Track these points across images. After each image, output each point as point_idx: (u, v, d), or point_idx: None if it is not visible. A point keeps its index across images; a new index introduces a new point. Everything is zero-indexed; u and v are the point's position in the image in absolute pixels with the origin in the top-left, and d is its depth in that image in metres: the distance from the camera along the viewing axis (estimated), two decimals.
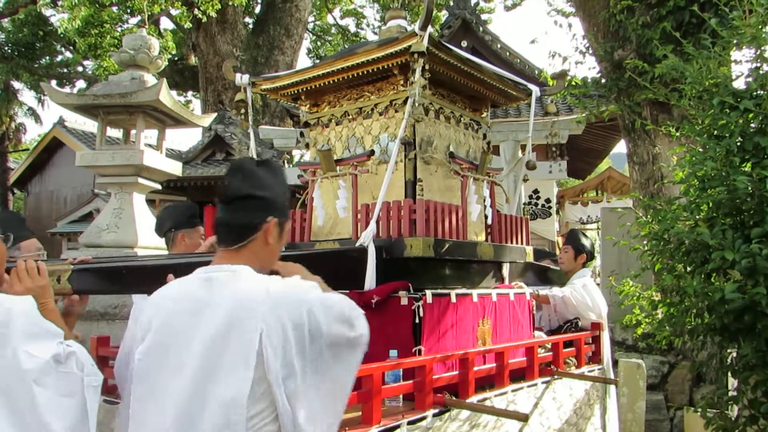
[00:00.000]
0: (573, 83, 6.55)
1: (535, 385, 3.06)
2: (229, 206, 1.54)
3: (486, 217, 3.28)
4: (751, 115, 2.75)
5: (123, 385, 1.54)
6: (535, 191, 11.45)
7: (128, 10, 13.74)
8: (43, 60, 18.28)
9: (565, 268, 4.09)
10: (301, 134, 3.44)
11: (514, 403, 2.86)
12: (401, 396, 2.36)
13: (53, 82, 17.13)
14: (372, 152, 3.01)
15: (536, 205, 11.46)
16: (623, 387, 4.84)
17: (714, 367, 3.25)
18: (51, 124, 18.30)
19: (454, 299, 2.74)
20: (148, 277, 2.20)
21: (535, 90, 3.44)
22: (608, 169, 16.52)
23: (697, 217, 2.83)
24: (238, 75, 3.25)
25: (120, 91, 5.44)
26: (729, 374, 3.22)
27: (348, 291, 2.62)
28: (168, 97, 5.47)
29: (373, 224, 2.65)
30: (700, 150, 2.93)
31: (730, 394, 3.04)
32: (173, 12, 15.15)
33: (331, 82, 3.06)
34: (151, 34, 6.42)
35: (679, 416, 5.96)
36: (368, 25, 20.92)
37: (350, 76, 2.98)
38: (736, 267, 2.42)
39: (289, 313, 1.35)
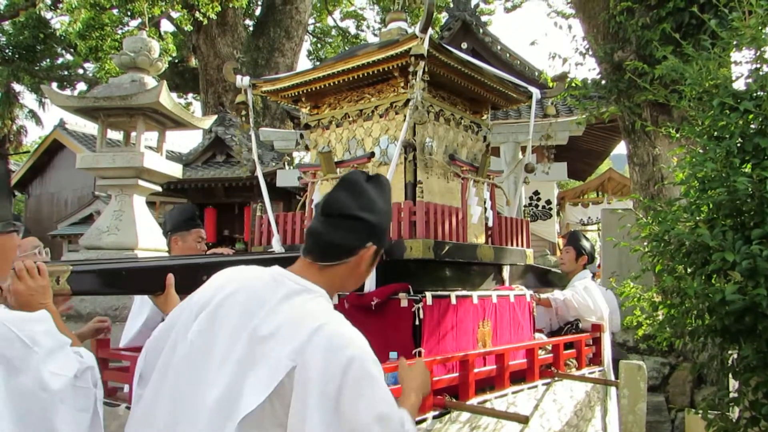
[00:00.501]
0: (573, 85, 6.55)
1: (536, 386, 3.05)
2: (329, 220, 1.44)
3: (486, 219, 3.28)
4: (751, 116, 2.75)
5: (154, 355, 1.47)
6: (536, 193, 11.46)
7: (129, 13, 13.78)
8: (44, 62, 18.33)
9: (566, 269, 4.09)
10: (301, 136, 3.44)
11: (515, 404, 2.86)
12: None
13: (54, 85, 17.17)
14: (372, 154, 3.01)
15: (537, 206, 11.47)
16: (624, 389, 4.81)
17: (715, 368, 3.24)
18: (52, 127, 18.32)
19: (454, 301, 2.74)
20: (147, 279, 2.21)
21: (536, 92, 3.45)
22: (609, 171, 16.53)
23: (698, 218, 2.83)
24: (238, 77, 3.25)
25: (120, 93, 5.45)
26: (730, 376, 3.21)
27: (348, 293, 2.64)
28: (168, 99, 5.48)
29: None
30: (700, 151, 2.93)
31: (731, 395, 3.03)
32: (173, 14, 15.18)
33: (332, 84, 3.06)
34: (152, 36, 6.44)
35: (680, 418, 5.95)
36: (368, 27, 20.97)
37: (351, 78, 2.98)
38: (737, 268, 2.42)
39: (328, 364, 1.23)
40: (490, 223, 3.28)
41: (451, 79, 3.02)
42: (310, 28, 20.66)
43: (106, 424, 2.19)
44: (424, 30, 2.55)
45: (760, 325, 2.47)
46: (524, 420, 2.45)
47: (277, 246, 3.11)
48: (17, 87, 19.57)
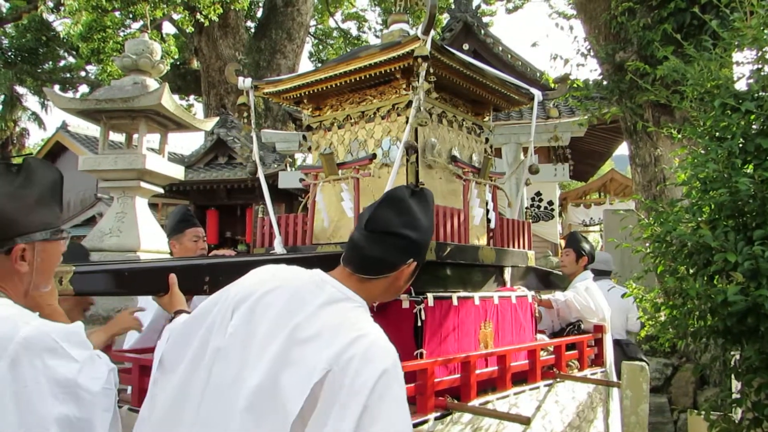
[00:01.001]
0: (575, 85, 6.55)
1: (538, 388, 3.05)
2: (373, 236, 1.46)
3: (488, 221, 3.28)
4: (752, 117, 2.75)
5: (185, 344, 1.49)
6: (538, 193, 11.45)
7: (131, 15, 13.81)
8: (47, 65, 18.39)
9: (567, 271, 4.08)
10: (303, 138, 3.44)
11: (517, 406, 2.86)
12: None
13: (56, 87, 17.23)
14: (374, 156, 3.01)
15: (539, 207, 11.45)
16: (626, 390, 4.81)
17: (717, 369, 3.24)
18: (54, 129, 18.37)
19: (455, 302, 2.74)
20: (149, 279, 2.21)
21: (538, 94, 3.45)
22: (611, 171, 16.52)
23: (699, 219, 2.83)
24: (240, 78, 3.25)
25: (122, 95, 5.46)
26: (732, 377, 3.21)
27: None
28: (170, 101, 5.49)
29: None
30: (702, 152, 2.93)
31: (734, 396, 3.03)
32: (175, 17, 15.21)
33: (334, 85, 3.07)
34: (154, 38, 6.45)
35: (682, 419, 5.94)
36: (370, 29, 21.01)
37: (353, 80, 2.98)
38: (739, 269, 2.42)
39: (359, 375, 1.25)
40: (492, 225, 3.28)
41: (454, 81, 3.02)
42: (312, 29, 20.70)
43: None
44: (426, 31, 2.55)
45: (763, 326, 2.47)
46: (526, 421, 2.45)
47: (279, 248, 3.11)
48: (20, 89, 19.63)
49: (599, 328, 3.84)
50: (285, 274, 1.51)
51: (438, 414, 2.38)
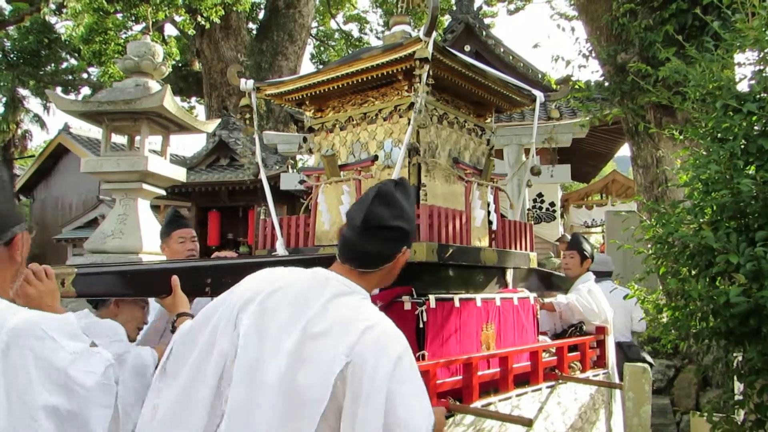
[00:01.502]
0: (576, 87, 6.55)
1: (540, 389, 3.05)
2: (368, 232, 1.53)
3: (490, 222, 3.28)
4: (754, 118, 2.74)
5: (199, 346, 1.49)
6: (540, 195, 11.44)
7: (132, 18, 13.84)
8: (49, 67, 18.43)
9: (571, 274, 4.07)
10: (305, 139, 3.45)
11: (519, 407, 2.85)
12: None
13: (58, 89, 17.26)
14: (376, 157, 3.02)
15: (540, 208, 11.45)
16: (629, 391, 4.81)
17: (720, 371, 3.23)
18: (56, 131, 18.39)
19: (457, 304, 2.74)
20: (152, 281, 2.21)
21: (540, 95, 3.45)
22: (613, 173, 16.49)
23: (701, 220, 2.82)
24: (242, 80, 3.26)
25: (124, 97, 5.47)
26: (735, 378, 3.20)
27: None
28: (172, 103, 5.50)
29: None
30: (704, 153, 2.93)
31: (736, 398, 3.02)
32: (177, 19, 15.24)
33: (336, 87, 3.07)
34: (155, 40, 6.46)
35: (685, 420, 5.93)
36: (371, 30, 21.03)
37: (354, 82, 2.99)
38: (741, 270, 2.41)
39: (378, 361, 1.32)
40: (494, 227, 3.28)
41: (455, 83, 3.02)
42: (314, 31, 20.72)
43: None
44: (428, 33, 2.55)
45: (765, 328, 2.47)
46: (528, 423, 2.45)
47: (281, 249, 3.11)
48: (22, 91, 19.68)
49: (601, 330, 3.83)
50: (287, 274, 1.56)
51: None
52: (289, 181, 10.34)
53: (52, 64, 18.56)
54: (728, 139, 2.75)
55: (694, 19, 5.39)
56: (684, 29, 5.51)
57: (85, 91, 18.50)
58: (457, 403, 2.50)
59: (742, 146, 2.70)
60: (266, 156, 11.84)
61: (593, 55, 6.75)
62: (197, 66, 18.21)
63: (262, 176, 3.37)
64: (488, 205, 3.27)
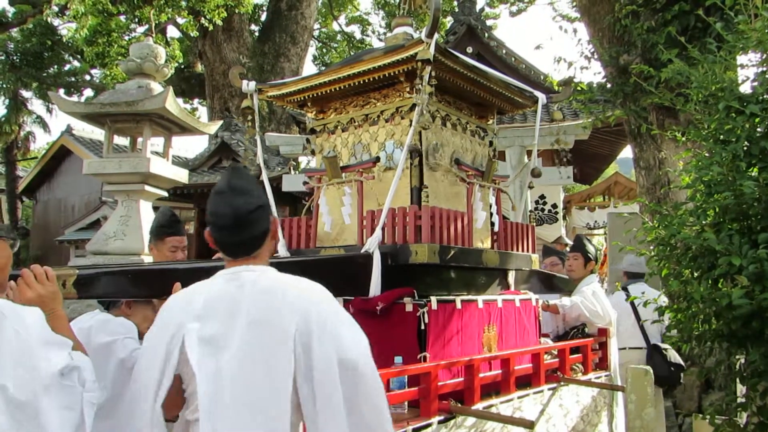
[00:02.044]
0: (579, 88, 6.54)
1: (542, 391, 3.04)
2: (242, 224, 1.67)
3: (492, 224, 3.27)
4: (757, 120, 2.74)
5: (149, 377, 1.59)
6: (542, 197, 11.42)
7: (135, 19, 13.86)
8: (52, 69, 18.45)
9: (575, 276, 4.06)
10: (307, 141, 3.45)
11: (520, 409, 2.85)
12: (406, 403, 2.35)
13: (61, 91, 17.27)
14: (377, 159, 3.01)
15: (543, 210, 11.43)
16: (631, 393, 4.79)
17: (722, 373, 3.22)
18: (59, 133, 18.44)
19: (459, 305, 2.73)
20: (152, 282, 2.21)
21: (542, 97, 3.44)
22: (615, 174, 16.45)
23: (704, 222, 2.81)
24: (244, 82, 3.26)
25: (127, 99, 5.48)
26: (737, 381, 3.19)
27: (353, 297, 2.64)
28: (174, 105, 5.50)
29: (378, 231, 2.65)
30: (706, 155, 2.92)
31: (739, 400, 3.01)
32: (180, 21, 15.27)
33: (337, 89, 3.07)
34: (158, 42, 6.47)
35: (687, 423, 5.90)
36: (374, 32, 21.01)
37: (356, 83, 2.99)
38: (744, 272, 2.40)
39: (319, 315, 1.55)
40: (496, 228, 3.27)
41: (457, 84, 3.02)
42: (316, 33, 20.73)
43: None
44: (430, 35, 2.55)
45: (767, 330, 2.45)
46: (530, 425, 2.44)
47: (282, 250, 3.11)
48: (25, 93, 19.71)
49: (603, 332, 3.83)
50: (206, 287, 1.67)
51: (441, 417, 2.37)
52: (292, 183, 10.34)
53: (55, 66, 18.59)
54: (731, 141, 2.74)
55: (696, 20, 5.37)
56: (686, 31, 5.50)
57: (88, 92, 18.52)
58: (459, 405, 2.50)
59: (745, 148, 2.69)
60: (268, 158, 11.84)
61: (595, 56, 6.74)
62: (200, 68, 18.24)
63: (264, 178, 3.37)
64: (490, 206, 3.27)
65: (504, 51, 12.57)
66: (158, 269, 2.37)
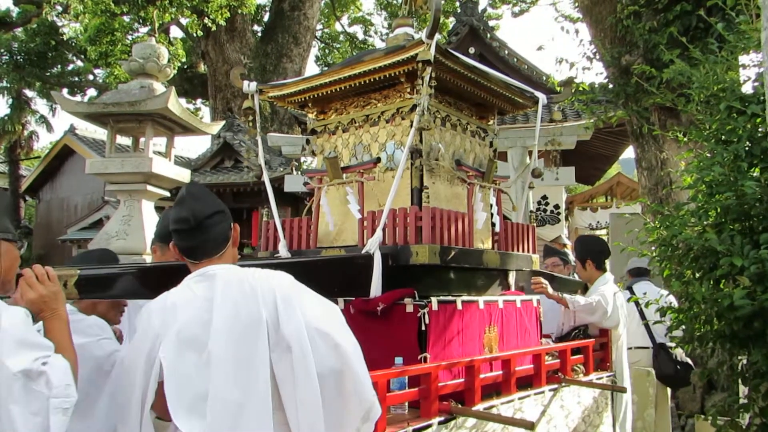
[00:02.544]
0: (580, 89, 6.53)
1: (543, 392, 3.04)
2: (201, 227, 1.77)
3: (493, 225, 3.27)
4: (758, 120, 2.73)
5: (133, 385, 1.62)
6: (544, 197, 11.39)
7: (139, 19, 13.88)
8: (55, 69, 18.48)
9: (585, 277, 4.03)
10: (308, 141, 3.45)
11: (521, 410, 2.85)
12: (407, 403, 2.35)
13: (65, 91, 17.32)
14: (378, 159, 3.02)
15: (545, 211, 11.40)
16: (633, 394, 4.79)
17: (724, 374, 3.21)
18: (62, 132, 18.46)
19: (460, 306, 2.73)
20: (155, 282, 2.21)
21: (542, 98, 3.44)
22: (617, 175, 16.42)
23: (705, 222, 2.81)
24: (245, 82, 3.27)
25: (129, 99, 5.49)
26: (740, 381, 3.18)
27: (354, 298, 2.64)
28: (176, 105, 5.52)
29: (379, 231, 2.65)
30: (708, 155, 2.92)
31: (741, 401, 3.00)
32: (183, 21, 15.28)
33: (338, 89, 3.07)
34: (161, 42, 6.48)
35: (690, 424, 5.89)
36: (376, 32, 21.03)
37: (357, 84, 2.99)
38: (745, 273, 2.40)
39: (284, 299, 1.64)
40: (497, 229, 3.27)
41: (458, 85, 3.02)
42: (318, 33, 20.74)
43: None
44: (430, 36, 2.55)
45: None
46: (531, 426, 2.44)
47: (283, 251, 3.11)
48: (29, 93, 19.76)
49: (605, 333, 3.82)
50: (178, 293, 1.71)
51: (442, 418, 2.37)
52: (294, 183, 10.35)
53: (59, 66, 18.61)
54: (732, 141, 2.73)
55: (698, 20, 5.37)
56: (688, 31, 5.49)
57: (91, 92, 18.55)
58: (459, 405, 2.50)
59: (747, 148, 2.69)
60: (270, 158, 11.86)
61: (597, 57, 6.73)
62: (202, 68, 18.26)
63: (265, 178, 3.37)
64: (490, 207, 3.26)
65: (506, 51, 12.55)
66: (161, 268, 2.37)
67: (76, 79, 18.80)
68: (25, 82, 17.74)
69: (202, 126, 6.12)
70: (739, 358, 2.97)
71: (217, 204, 1.83)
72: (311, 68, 23.05)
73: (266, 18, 18.41)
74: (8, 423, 1.36)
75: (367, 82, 2.96)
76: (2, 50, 17.28)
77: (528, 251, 3.41)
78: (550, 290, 3.54)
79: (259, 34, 17.60)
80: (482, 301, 2.89)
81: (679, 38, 4.10)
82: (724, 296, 2.45)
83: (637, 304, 4.37)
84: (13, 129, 19.48)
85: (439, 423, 2.35)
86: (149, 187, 5.61)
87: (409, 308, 2.55)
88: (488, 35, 12.77)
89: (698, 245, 2.66)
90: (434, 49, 2.57)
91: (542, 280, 3.48)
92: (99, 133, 16.39)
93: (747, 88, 3.06)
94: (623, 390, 3.64)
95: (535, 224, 3.56)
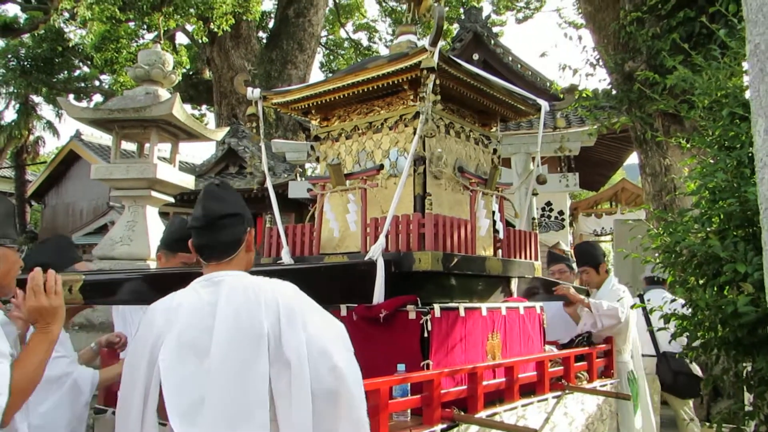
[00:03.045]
0: (584, 95, 6.54)
1: (546, 399, 3.03)
2: (213, 227, 1.76)
3: (496, 231, 3.27)
4: None
5: (134, 384, 1.64)
6: (548, 203, 11.37)
7: (144, 26, 13.98)
8: (61, 75, 18.62)
9: (592, 284, 4.03)
10: (312, 148, 3.46)
11: (524, 418, 2.84)
12: (409, 411, 2.35)
13: (71, 97, 17.44)
14: (381, 166, 3.02)
15: (549, 217, 11.38)
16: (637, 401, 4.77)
17: (729, 381, 3.20)
18: (68, 138, 18.57)
19: (462, 313, 2.73)
20: (159, 287, 2.22)
21: (545, 105, 3.45)
22: (622, 181, 16.40)
23: (709, 229, 2.81)
24: (249, 89, 3.28)
25: (134, 105, 5.51)
26: (745, 389, 3.16)
27: (356, 305, 2.64)
28: (181, 111, 5.54)
29: (382, 238, 2.66)
30: (711, 161, 2.91)
31: (747, 409, 2.99)
32: (188, 27, 15.38)
33: (341, 96, 3.08)
34: (166, 49, 6.52)
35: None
36: (380, 39, 21.11)
37: (360, 91, 3.00)
38: (749, 279, 2.39)
39: (288, 307, 1.64)
40: (500, 236, 3.27)
41: (461, 92, 3.03)
42: (323, 40, 20.83)
43: None
44: (434, 43, 2.56)
45: None
46: None
47: (286, 257, 3.12)
48: (35, 98, 19.91)
49: (609, 340, 3.81)
50: (183, 295, 1.72)
51: (444, 426, 2.37)
52: (298, 190, 10.36)
53: (65, 72, 18.76)
54: (735, 147, 2.74)
55: (701, 27, 5.37)
56: (691, 37, 5.50)
57: (97, 98, 18.68)
58: (462, 413, 2.49)
59: (749, 154, 2.68)
60: (275, 164, 11.88)
61: (601, 63, 6.74)
62: (207, 74, 18.36)
63: (268, 184, 3.38)
64: (493, 214, 3.26)
65: (510, 58, 12.57)
66: (165, 274, 2.38)
67: (83, 85, 18.94)
68: (31, 87, 17.88)
69: (206, 132, 6.14)
70: (744, 365, 2.95)
71: (234, 206, 1.81)
72: (316, 75, 23.16)
73: (271, 25, 18.51)
74: None
75: (371, 89, 2.97)
76: (10, 56, 17.43)
77: (530, 258, 3.41)
78: (572, 291, 3.55)
79: (264, 41, 17.68)
80: (485, 307, 2.89)
81: (682, 45, 4.10)
82: (728, 303, 2.45)
83: (644, 310, 4.36)
84: (20, 134, 19.62)
85: (442, 430, 2.34)
86: (154, 193, 5.62)
87: (412, 315, 2.55)
88: (492, 42, 12.79)
89: (702, 252, 2.66)
90: (437, 56, 2.58)
91: (566, 283, 3.50)
92: (105, 138, 16.46)
93: (750, 95, 3.05)
94: (627, 397, 3.63)
95: (537, 231, 3.55)
